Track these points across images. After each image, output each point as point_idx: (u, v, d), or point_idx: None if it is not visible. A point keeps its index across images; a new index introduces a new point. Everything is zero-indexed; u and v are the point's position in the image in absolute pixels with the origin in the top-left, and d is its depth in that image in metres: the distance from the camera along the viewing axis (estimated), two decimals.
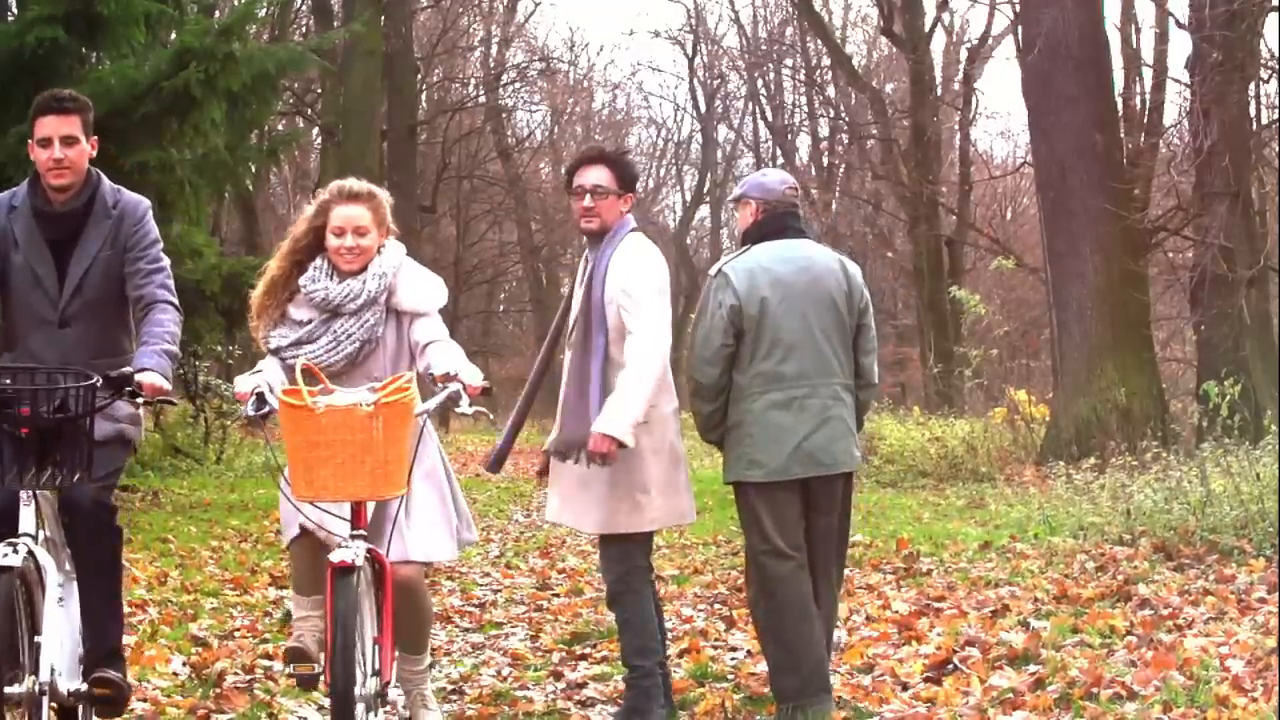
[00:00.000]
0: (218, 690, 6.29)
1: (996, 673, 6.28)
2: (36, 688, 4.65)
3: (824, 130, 40.84)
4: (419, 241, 30.62)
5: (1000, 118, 68.83)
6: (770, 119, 40.76)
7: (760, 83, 40.76)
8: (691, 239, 46.28)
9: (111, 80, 12.33)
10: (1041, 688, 5.96)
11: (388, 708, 5.20)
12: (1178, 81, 21.50)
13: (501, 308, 48.14)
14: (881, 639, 7.30)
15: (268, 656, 7.01)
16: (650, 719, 5.66)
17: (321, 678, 5.16)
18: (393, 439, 4.81)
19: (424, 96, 37.31)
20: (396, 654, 5.33)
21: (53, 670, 4.70)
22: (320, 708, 5.93)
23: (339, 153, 27.09)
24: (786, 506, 5.67)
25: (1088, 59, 17.50)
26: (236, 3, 16.30)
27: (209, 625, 7.90)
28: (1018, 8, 21.69)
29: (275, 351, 5.41)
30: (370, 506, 5.02)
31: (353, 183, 5.48)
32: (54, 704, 4.80)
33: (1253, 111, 18.89)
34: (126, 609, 7.72)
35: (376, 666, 4.96)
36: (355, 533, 4.90)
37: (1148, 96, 24.56)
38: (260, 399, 5.04)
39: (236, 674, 6.65)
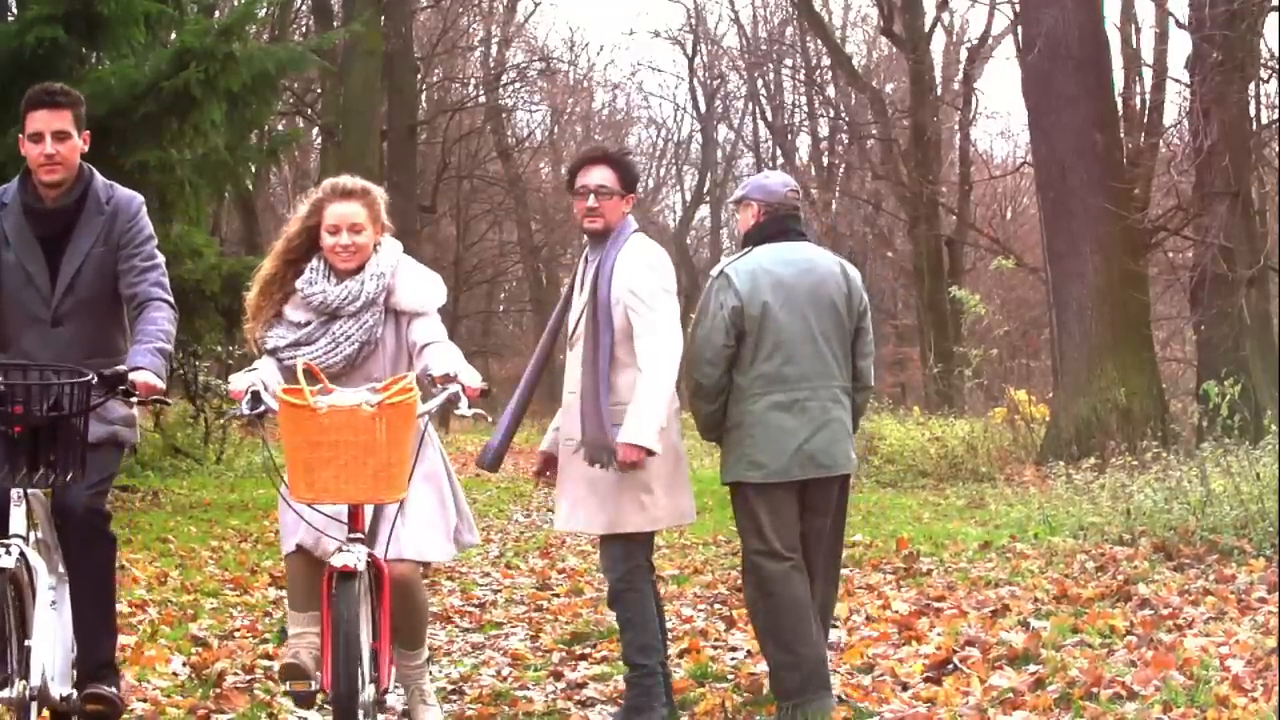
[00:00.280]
0: (218, 690, 6.29)
1: (996, 673, 6.28)
2: (27, 693, 4.55)
3: (824, 130, 40.89)
4: (419, 241, 30.63)
5: (1000, 118, 68.87)
6: (770, 119, 40.75)
7: (760, 83, 40.75)
8: (691, 239, 46.27)
9: (111, 80, 12.33)
10: (1041, 688, 5.96)
11: (385, 715, 5.16)
12: (1178, 81, 21.53)
13: (501, 308, 48.12)
14: (881, 639, 7.29)
15: (268, 656, 7.00)
16: (651, 718, 5.66)
17: (318, 694, 5.12)
18: (395, 441, 4.74)
19: (424, 96, 37.30)
20: (394, 650, 5.29)
21: (44, 674, 4.61)
22: (320, 708, 5.92)
23: (339, 153, 27.06)
24: (785, 508, 5.67)
25: (1088, 59, 17.49)
26: (236, 3, 16.29)
27: (209, 625, 7.90)
28: (1018, 8, 21.69)
29: (272, 352, 5.33)
30: (369, 509, 4.96)
31: (346, 180, 5.40)
32: (46, 709, 4.70)
33: (1253, 111, 18.87)
34: (127, 609, 7.76)
35: (374, 674, 4.91)
36: (353, 535, 4.84)
37: (1148, 96, 24.53)
38: (255, 398, 4.95)
39: (236, 674, 6.65)
